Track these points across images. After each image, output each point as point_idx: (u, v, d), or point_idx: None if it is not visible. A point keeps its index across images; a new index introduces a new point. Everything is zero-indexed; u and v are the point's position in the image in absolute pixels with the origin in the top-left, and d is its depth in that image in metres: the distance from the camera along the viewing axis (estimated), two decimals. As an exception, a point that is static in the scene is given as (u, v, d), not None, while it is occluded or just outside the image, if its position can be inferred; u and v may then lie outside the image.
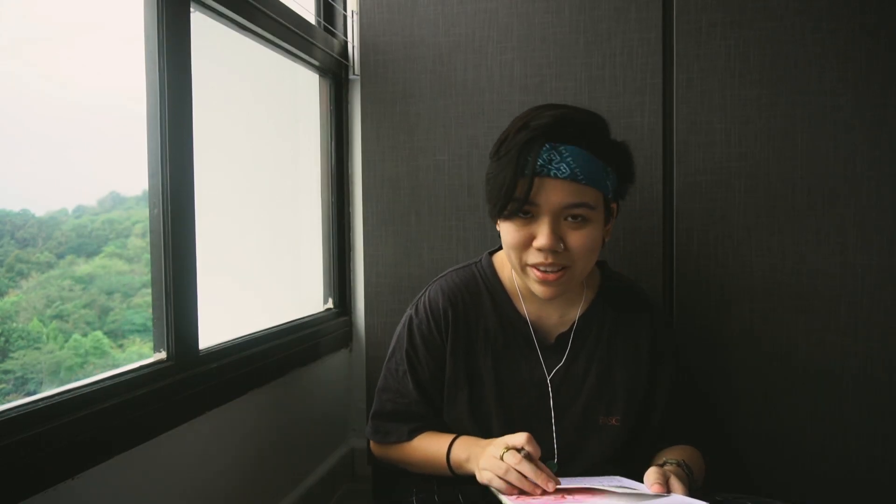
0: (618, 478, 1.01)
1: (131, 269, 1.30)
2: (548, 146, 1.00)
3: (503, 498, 0.91)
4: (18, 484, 0.78)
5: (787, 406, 1.40)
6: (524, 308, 1.15)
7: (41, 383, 1.15)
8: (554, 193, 1.00)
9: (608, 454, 1.11)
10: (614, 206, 1.10)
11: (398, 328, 1.21)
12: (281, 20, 1.39)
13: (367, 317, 1.60)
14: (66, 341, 1.20)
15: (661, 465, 1.01)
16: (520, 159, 1.00)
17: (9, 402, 0.82)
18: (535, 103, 1.12)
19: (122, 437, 0.93)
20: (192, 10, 1.12)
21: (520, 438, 0.94)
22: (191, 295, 1.11)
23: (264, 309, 1.55)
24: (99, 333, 1.24)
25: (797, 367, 1.39)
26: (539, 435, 1.09)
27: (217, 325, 1.23)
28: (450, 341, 1.14)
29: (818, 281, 1.37)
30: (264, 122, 1.65)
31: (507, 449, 0.94)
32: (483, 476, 0.96)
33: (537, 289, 1.06)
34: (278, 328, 1.43)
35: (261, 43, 1.42)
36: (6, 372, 1.10)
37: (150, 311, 1.08)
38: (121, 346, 1.27)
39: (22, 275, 1.14)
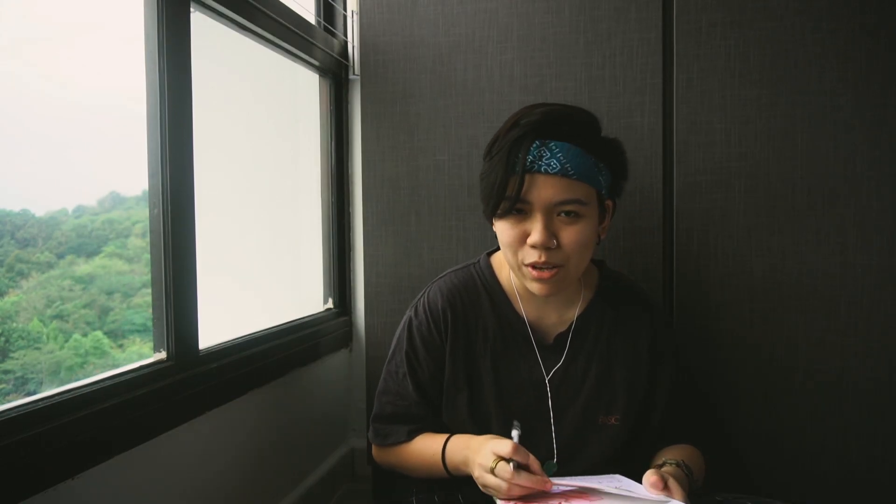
0: (617, 477, 1.01)
1: (131, 269, 1.30)
2: (537, 143, 1.00)
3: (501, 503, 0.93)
4: (18, 484, 0.78)
5: (787, 406, 1.39)
6: (522, 308, 1.15)
7: (41, 383, 1.15)
8: (545, 189, 1.00)
9: (608, 454, 1.11)
10: (609, 203, 1.10)
11: (398, 330, 1.21)
12: (281, 20, 1.39)
13: (367, 317, 1.60)
14: (67, 341, 1.20)
15: (661, 466, 1.01)
16: (510, 157, 1.01)
17: (9, 402, 0.82)
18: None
19: (122, 437, 0.93)
20: (192, 10, 1.12)
21: (506, 448, 0.93)
22: (191, 295, 1.11)
23: (264, 309, 1.55)
24: (99, 333, 1.24)
25: (797, 367, 1.39)
26: (539, 435, 1.10)
27: (217, 325, 1.23)
28: (449, 342, 1.14)
29: (818, 281, 1.37)
30: (264, 122, 1.66)
31: (497, 459, 0.93)
32: (485, 491, 0.97)
33: (534, 286, 1.06)
34: (278, 328, 1.43)
35: (261, 43, 1.42)
36: (6, 372, 1.10)
37: (150, 311, 1.08)
38: (121, 346, 1.27)
39: (22, 275, 1.14)
